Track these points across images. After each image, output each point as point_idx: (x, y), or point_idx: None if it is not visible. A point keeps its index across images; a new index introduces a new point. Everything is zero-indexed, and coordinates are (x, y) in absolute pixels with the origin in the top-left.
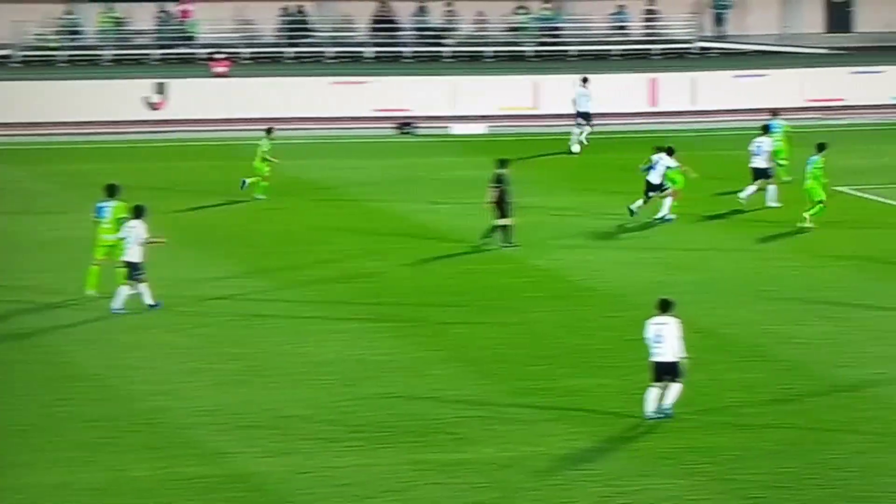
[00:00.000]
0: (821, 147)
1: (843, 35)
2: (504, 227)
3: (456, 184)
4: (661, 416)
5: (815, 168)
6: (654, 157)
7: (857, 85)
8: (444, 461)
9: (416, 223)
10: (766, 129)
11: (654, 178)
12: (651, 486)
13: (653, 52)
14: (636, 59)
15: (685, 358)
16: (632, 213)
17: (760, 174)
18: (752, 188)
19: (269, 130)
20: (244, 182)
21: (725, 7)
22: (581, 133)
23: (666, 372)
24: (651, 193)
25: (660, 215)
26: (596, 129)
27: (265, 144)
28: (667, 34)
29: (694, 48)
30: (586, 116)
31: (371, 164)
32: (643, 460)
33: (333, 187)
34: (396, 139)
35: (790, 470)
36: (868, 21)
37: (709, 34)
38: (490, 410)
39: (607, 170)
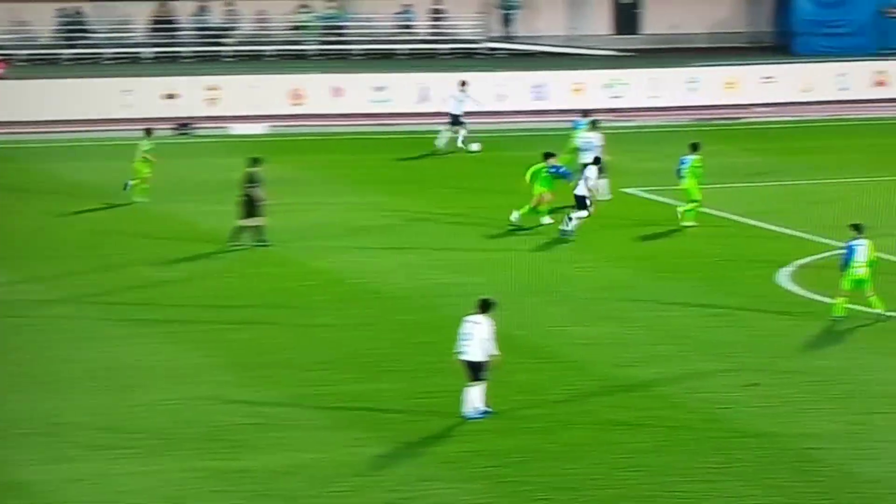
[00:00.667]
0: (695, 147)
1: (630, 37)
2: (252, 226)
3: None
4: (481, 416)
5: (692, 167)
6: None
7: (644, 85)
8: (224, 469)
9: (193, 225)
10: (593, 125)
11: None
12: (436, 490)
13: (440, 51)
14: (423, 59)
15: (496, 356)
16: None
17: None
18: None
19: (148, 131)
20: (126, 184)
21: (513, 8)
22: (455, 135)
23: (472, 370)
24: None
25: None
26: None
27: (145, 145)
28: (454, 34)
29: (482, 48)
30: (456, 120)
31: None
32: (429, 465)
33: (115, 191)
34: (175, 140)
35: (575, 471)
36: (655, 23)
37: (497, 35)
38: (272, 417)
39: (390, 170)
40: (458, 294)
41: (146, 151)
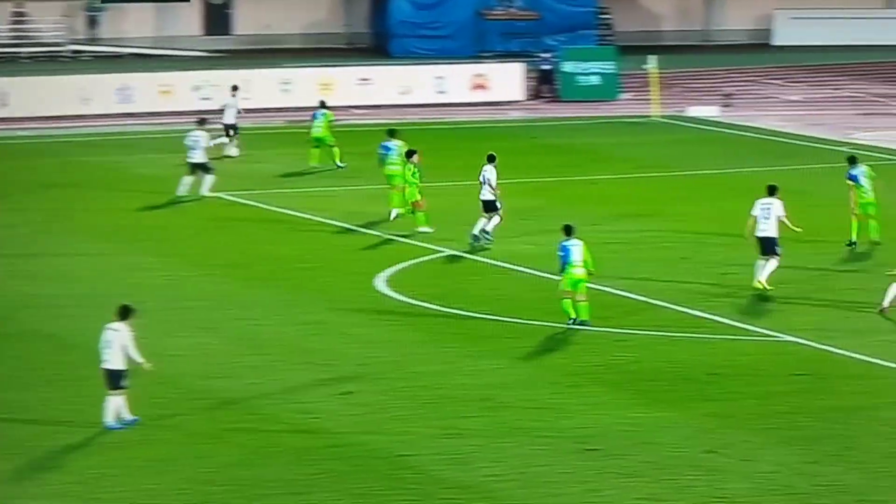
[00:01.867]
0: (392, 132)
1: (222, 38)
2: None
3: None
4: (123, 426)
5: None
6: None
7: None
8: None
9: None
10: (228, 130)
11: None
12: None
13: (22, 55)
14: (4, 62)
15: (140, 363)
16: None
17: (198, 167)
18: (188, 179)
19: None
20: None
21: (98, 10)
22: (229, 142)
23: (112, 379)
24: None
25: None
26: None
27: None
28: (36, 37)
29: (66, 51)
30: (233, 128)
31: None
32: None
33: None
34: None
35: (160, 486)
36: (247, 23)
37: (82, 37)
38: None
39: None
40: (36, 306)
41: None
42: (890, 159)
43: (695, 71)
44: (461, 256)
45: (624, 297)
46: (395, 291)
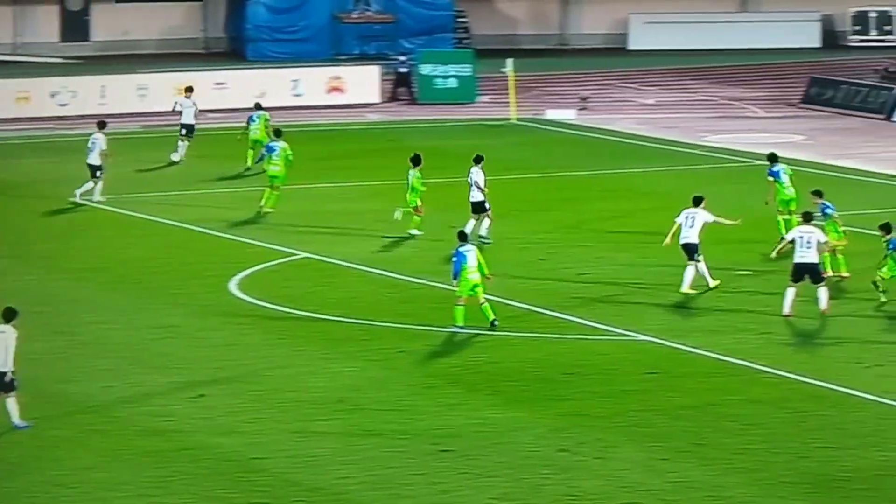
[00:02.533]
0: (277, 133)
1: (80, 44)
2: None
3: None
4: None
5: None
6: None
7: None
8: None
9: None
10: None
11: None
12: None
13: None
14: None
15: (12, 371)
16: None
17: (95, 169)
18: (89, 184)
19: None
20: None
21: None
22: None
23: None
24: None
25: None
26: None
27: None
28: None
29: None
30: (190, 128)
31: None
32: None
33: None
34: None
35: (12, 489)
36: (104, 29)
37: None
38: None
39: None
40: None
41: None
42: (741, 161)
43: (552, 75)
44: (315, 259)
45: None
46: (249, 295)
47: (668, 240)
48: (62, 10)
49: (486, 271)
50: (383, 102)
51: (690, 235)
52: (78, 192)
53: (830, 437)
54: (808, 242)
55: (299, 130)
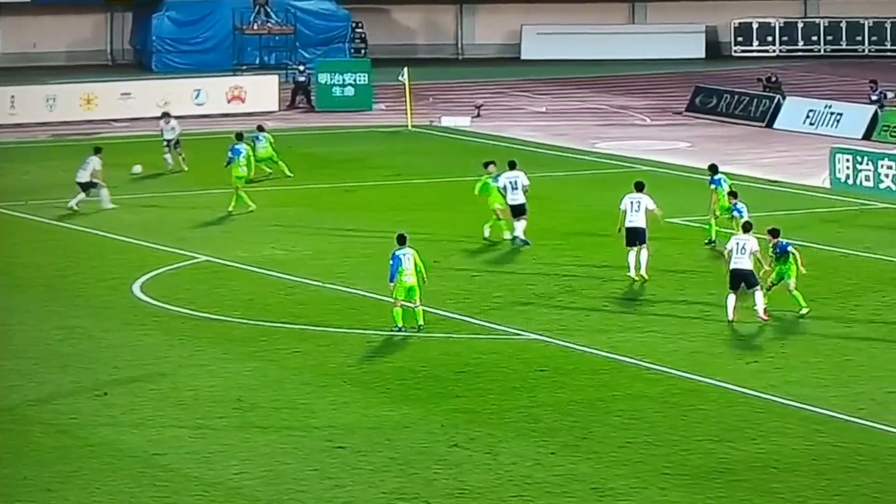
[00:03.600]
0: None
1: None
2: None
3: None
4: None
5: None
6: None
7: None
8: None
9: None
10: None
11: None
12: None
13: None
14: None
15: None
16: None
17: (84, 186)
18: (81, 196)
19: None
20: None
21: None
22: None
23: None
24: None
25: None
26: None
27: None
28: None
29: None
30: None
31: None
32: None
33: None
34: None
35: None
36: (13, 43)
37: None
38: None
39: None
40: None
41: None
42: (628, 167)
43: (447, 83)
44: (215, 262)
45: (378, 299)
46: (150, 297)
47: (620, 229)
48: None
49: (424, 274)
50: (282, 110)
51: (637, 220)
52: (73, 201)
53: (710, 431)
54: (743, 249)
55: (202, 138)
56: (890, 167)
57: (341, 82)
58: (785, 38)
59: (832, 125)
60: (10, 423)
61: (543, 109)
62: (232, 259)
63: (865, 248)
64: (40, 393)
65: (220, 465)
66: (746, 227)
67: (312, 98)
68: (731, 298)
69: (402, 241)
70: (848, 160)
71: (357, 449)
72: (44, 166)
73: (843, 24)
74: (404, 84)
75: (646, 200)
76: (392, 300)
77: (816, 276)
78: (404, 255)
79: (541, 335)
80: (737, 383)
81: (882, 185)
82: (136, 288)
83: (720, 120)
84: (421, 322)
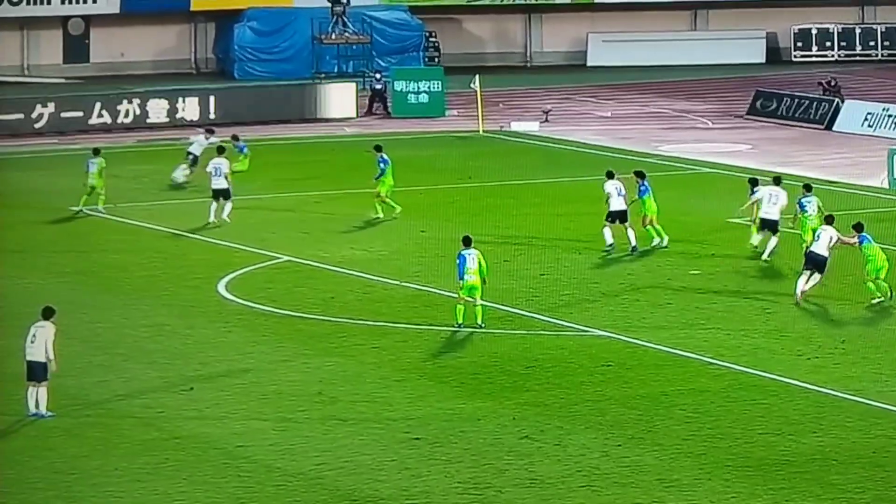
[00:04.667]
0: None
1: (81, 65)
2: None
3: None
4: (42, 417)
5: None
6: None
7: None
8: None
9: None
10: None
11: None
12: None
13: None
14: None
15: (51, 360)
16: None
17: (220, 194)
18: (213, 205)
19: None
20: None
21: None
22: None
23: (36, 371)
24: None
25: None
26: None
27: None
28: None
29: None
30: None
31: None
32: None
33: None
34: None
35: (12, 476)
36: (102, 52)
37: None
38: None
39: None
40: None
41: None
42: (691, 169)
43: (516, 90)
44: (296, 262)
45: (450, 297)
46: (234, 295)
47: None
48: (65, 35)
49: (486, 275)
50: (360, 117)
51: (772, 212)
52: (223, 214)
53: (772, 425)
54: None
55: (271, 145)
56: None
57: (416, 90)
58: (843, 44)
59: (890, 127)
60: (101, 416)
61: (608, 114)
62: (312, 259)
63: None
64: (129, 388)
65: (301, 456)
66: (829, 220)
67: (389, 105)
68: (802, 279)
69: (467, 242)
70: None
71: (432, 440)
72: (130, 171)
73: None
74: (476, 91)
75: (783, 196)
76: (457, 297)
77: None
78: (469, 255)
79: (606, 331)
80: (798, 378)
81: None
82: (220, 287)
83: (780, 123)
84: (480, 321)
